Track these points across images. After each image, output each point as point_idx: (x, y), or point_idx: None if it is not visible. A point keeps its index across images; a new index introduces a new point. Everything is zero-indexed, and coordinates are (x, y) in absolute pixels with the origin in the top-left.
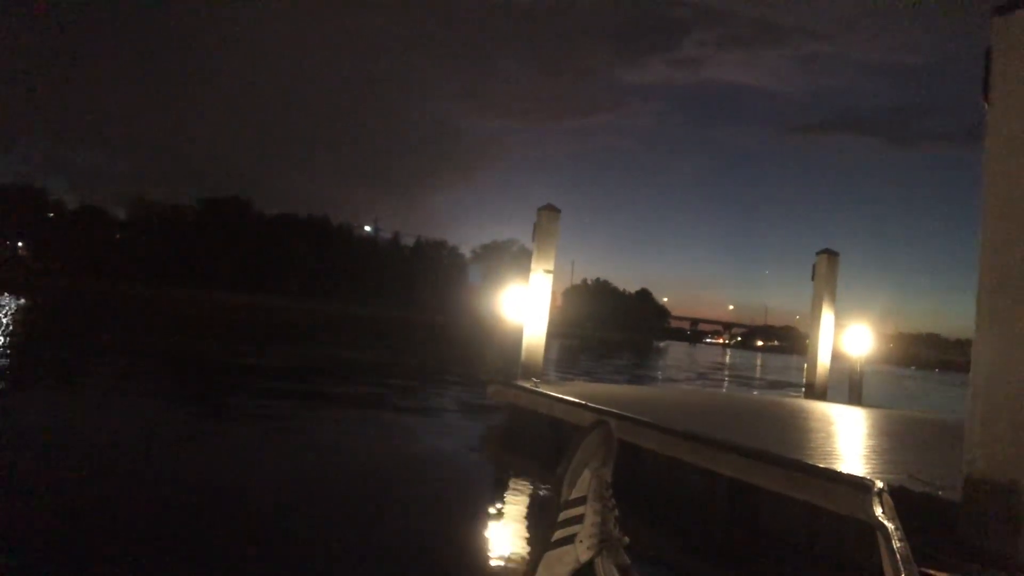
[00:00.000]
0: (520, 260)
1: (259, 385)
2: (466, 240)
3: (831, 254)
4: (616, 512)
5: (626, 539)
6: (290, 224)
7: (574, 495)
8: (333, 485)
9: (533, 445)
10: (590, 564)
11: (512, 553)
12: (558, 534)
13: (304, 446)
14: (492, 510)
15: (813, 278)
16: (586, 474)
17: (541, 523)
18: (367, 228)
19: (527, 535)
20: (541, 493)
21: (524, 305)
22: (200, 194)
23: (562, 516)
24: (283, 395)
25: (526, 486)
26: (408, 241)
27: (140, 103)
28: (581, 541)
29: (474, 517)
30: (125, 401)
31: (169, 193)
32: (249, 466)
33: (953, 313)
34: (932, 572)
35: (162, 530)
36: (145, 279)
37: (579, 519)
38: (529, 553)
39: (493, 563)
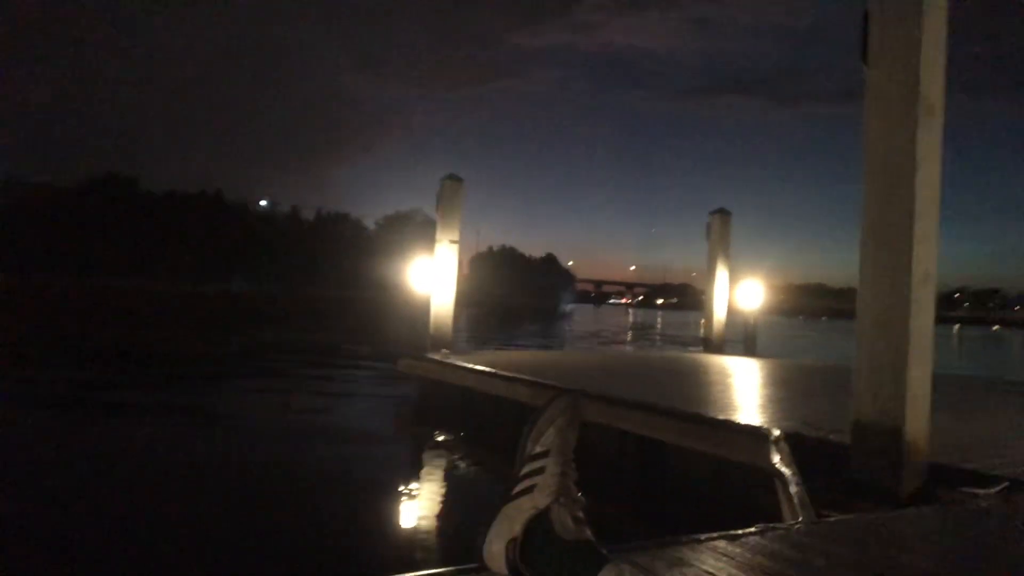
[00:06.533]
0: (425, 230)
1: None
2: (370, 212)
3: (724, 213)
4: (576, 475)
5: (584, 500)
6: (180, 202)
7: (538, 449)
8: (249, 462)
9: (445, 417)
10: (546, 510)
11: (428, 525)
12: (519, 487)
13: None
14: (408, 482)
15: (708, 237)
16: (551, 431)
17: (503, 483)
18: (263, 203)
19: (443, 505)
20: (456, 464)
21: (431, 276)
22: (80, 174)
23: (524, 470)
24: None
25: (440, 458)
26: (308, 215)
27: (5, 79)
28: (540, 490)
29: (389, 491)
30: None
31: (44, 174)
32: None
33: (838, 263)
34: (828, 513)
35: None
36: (20, 268)
37: (540, 471)
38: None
39: (410, 535)
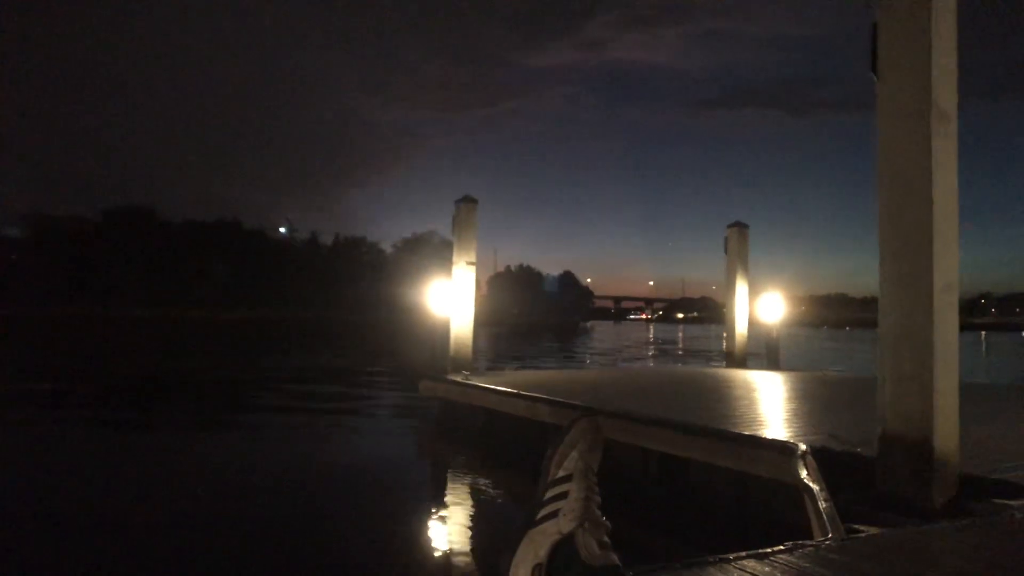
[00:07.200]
0: (442, 251)
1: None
2: (387, 236)
3: (741, 226)
4: (599, 499)
5: (608, 524)
6: (198, 231)
7: (561, 474)
8: (287, 482)
9: (467, 437)
10: (571, 536)
11: (452, 549)
12: (543, 512)
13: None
14: (431, 504)
15: (726, 251)
16: (574, 455)
17: (526, 505)
18: (281, 230)
19: (468, 527)
20: (479, 485)
21: (449, 299)
22: (101, 206)
23: (548, 494)
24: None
25: (462, 480)
26: (326, 240)
27: (29, 114)
28: (564, 515)
29: (412, 515)
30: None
31: (65, 207)
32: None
33: (859, 272)
34: (857, 527)
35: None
36: (48, 299)
37: (564, 495)
38: (512, 533)
39: (434, 560)
